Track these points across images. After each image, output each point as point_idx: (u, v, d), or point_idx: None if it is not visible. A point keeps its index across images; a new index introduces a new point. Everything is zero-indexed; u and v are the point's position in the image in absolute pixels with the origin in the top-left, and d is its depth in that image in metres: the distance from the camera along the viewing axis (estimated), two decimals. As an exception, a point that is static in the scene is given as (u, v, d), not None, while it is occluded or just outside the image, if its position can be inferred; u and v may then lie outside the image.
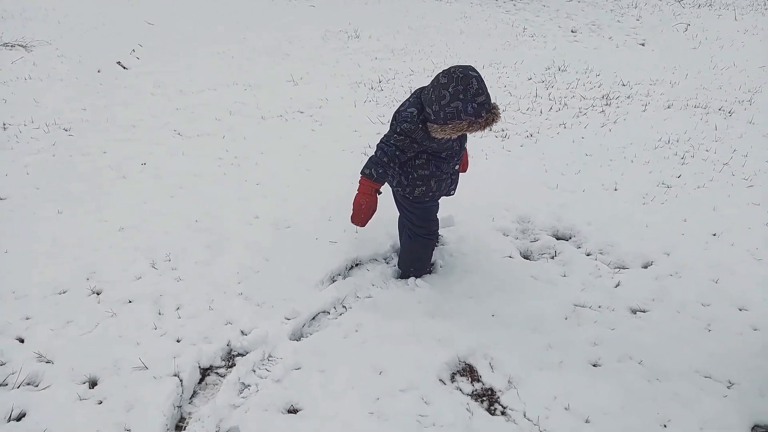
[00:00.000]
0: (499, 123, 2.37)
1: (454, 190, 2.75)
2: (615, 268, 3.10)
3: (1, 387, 2.19)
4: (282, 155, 4.31)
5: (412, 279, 2.88)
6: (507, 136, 4.77)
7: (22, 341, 2.46)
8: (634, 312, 2.75)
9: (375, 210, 2.48)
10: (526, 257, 3.23)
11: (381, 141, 2.42)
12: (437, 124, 2.25)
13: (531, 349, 2.48)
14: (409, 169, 2.52)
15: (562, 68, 6.63)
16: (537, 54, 7.38)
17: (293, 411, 2.17)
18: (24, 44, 7.08)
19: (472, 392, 2.31)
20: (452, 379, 2.36)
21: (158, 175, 4.01)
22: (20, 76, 6.01)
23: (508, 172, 4.14)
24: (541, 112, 5.31)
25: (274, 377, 2.30)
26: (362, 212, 2.45)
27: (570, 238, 3.39)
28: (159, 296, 2.77)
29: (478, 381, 2.36)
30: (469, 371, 2.40)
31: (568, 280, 2.98)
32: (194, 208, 3.56)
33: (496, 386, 2.33)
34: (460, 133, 2.28)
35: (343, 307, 2.74)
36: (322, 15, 9.40)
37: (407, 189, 2.57)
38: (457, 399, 2.25)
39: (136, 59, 6.97)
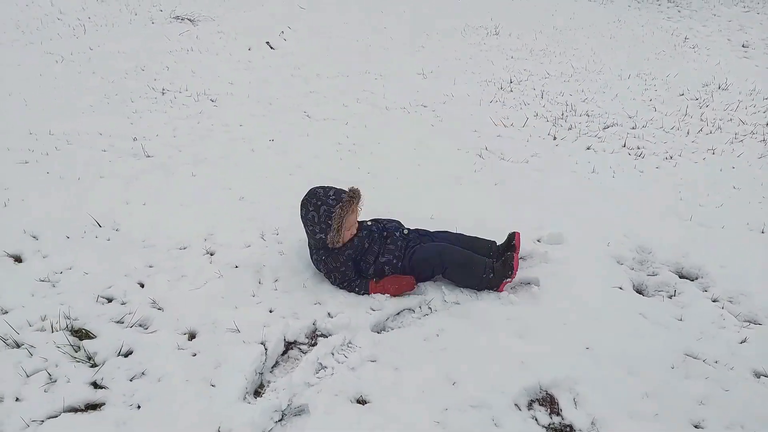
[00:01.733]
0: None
1: (401, 237, 2.87)
2: (744, 321, 2.71)
3: (118, 324, 2.48)
4: (397, 147, 4.36)
5: (505, 294, 2.76)
6: (642, 155, 4.37)
7: (142, 286, 2.76)
8: (757, 376, 2.39)
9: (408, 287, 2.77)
10: (638, 291, 2.94)
11: (331, 272, 2.76)
12: (335, 235, 2.63)
13: (624, 393, 2.26)
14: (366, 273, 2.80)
15: (723, 87, 5.91)
16: (696, 68, 6.66)
17: (362, 402, 2.19)
18: (191, 18, 7.88)
19: (549, 425, 2.16)
20: (529, 406, 2.24)
21: (282, 152, 4.26)
22: (184, 47, 6.72)
23: (635, 195, 3.80)
24: (688, 133, 4.79)
25: (350, 365, 2.34)
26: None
27: (696, 278, 3.03)
28: (262, 266, 2.95)
29: (558, 415, 2.21)
30: (550, 402, 2.25)
31: (684, 326, 2.67)
32: (307, 188, 3.69)
33: (577, 424, 2.16)
34: (346, 222, 2.62)
35: (429, 308, 2.71)
36: (465, 8, 9.30)
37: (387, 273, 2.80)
38: (530, 428, 2.12)
39: (283, 40, 7.44)
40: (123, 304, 2.62)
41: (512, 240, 2.92)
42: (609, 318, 2.66)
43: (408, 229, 2.97)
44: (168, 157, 4.09)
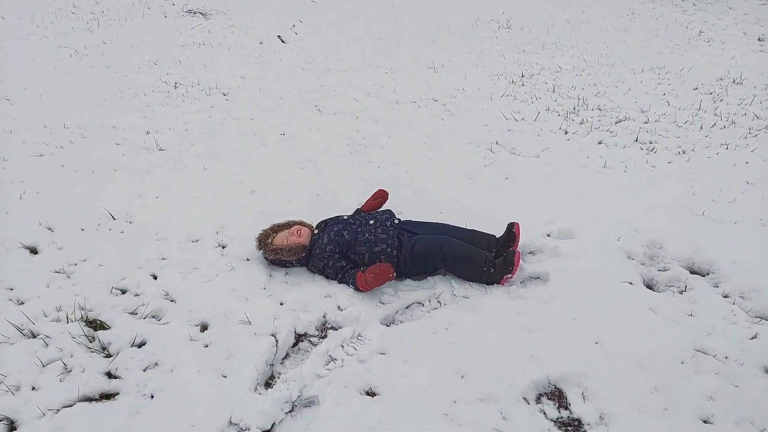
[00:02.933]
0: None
1: (392, 226, 2.93)
2: (755, 317, 2.69)
3: (132, 315, 2.52)
4: (407, 141, 4.36)
5: (515, 288, 2.77)
6: (654, 150, 4.33)
7: (155, 278, 2.80)
8: (768, 372, 2.38)
9: (384, 276, 2.70)
10: (649, 287, 2.93)
11: (322, 271, 2.87)
12: (285, 255, 2.86)
13: (633, 388, 2.26)
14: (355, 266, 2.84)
15: (738, 81, 5.83)
16: (710, 61, 6.58)
17: (371, 394, 2.22)
18: (204, 12, 7.91)
19: (557, 419, 2.17)
20: (537, 400, 2.24)
21: (293, 147, 4.28)
22: (196, 42, 6.75)
23: (647, 190, 3.77)
24: (702, 128, 4.74)
25: (360, 357, 2.36)
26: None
27: (707, 274, 3.01)
28: (272, 259, 2.97)
29: (566, 408, 2.21)
30: (558, 396, 2.26)
31: (694, 321, 2.65)
32: (318, 181, 3.75)
33: (585, 419, 2.16)
34: (277, 245, 2.88)
35: (438, 302, 2.72)
36: (476, 1, 9.24)
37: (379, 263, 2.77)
38: (538, 422, 2.13)
39: (294, 34, 7.45)
40: (136, 295, 2.66)
41: (512, 229, 2.94)
42: (618, 313, 2.65)
43: (399, 219, 3.02)
44: (180, 150, 4.12)
